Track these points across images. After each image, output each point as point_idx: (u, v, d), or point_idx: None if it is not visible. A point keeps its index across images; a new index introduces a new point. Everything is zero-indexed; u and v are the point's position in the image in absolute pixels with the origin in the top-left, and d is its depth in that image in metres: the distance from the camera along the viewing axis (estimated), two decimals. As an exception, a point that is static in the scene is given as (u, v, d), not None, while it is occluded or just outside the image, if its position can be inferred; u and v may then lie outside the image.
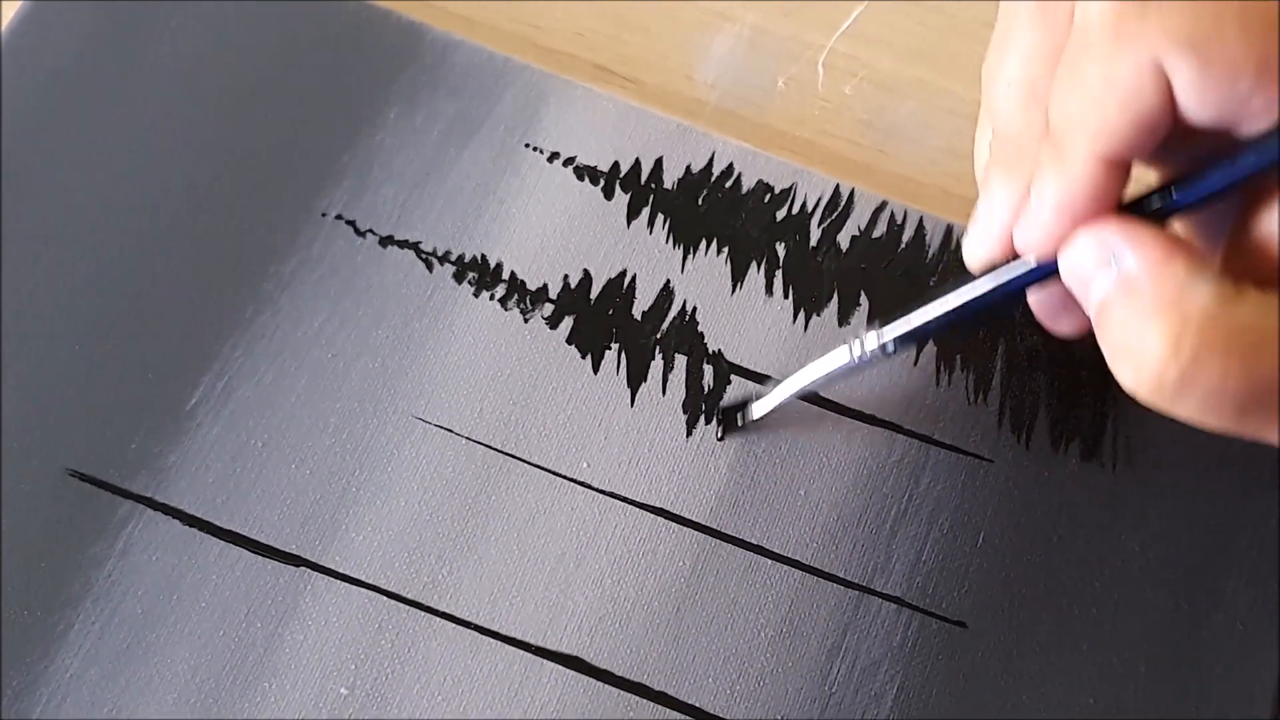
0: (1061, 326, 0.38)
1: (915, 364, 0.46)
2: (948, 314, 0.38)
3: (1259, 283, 0.31)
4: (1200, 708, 0.42)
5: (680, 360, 0.45)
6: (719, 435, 0.45)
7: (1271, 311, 0.30)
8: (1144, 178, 0.34)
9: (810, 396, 0.45)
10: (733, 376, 0.45)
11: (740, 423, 0.45)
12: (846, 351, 0.41)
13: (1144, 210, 0.33)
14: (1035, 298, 0.38)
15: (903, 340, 0.39)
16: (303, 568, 0.43)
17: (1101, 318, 0.32)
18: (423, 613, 0.42)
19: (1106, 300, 0.32)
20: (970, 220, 0.37)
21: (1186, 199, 0.33)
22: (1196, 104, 0.31)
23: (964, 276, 0.37)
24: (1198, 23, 0.30)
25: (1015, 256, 0.36)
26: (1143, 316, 0.31)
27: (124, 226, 0.46)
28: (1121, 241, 0.32)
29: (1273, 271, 0.32)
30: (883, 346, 0.39)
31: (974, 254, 0.37)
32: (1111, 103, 0.31)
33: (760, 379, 0.45)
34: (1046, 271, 0.35)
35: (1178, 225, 0.35)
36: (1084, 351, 0.44)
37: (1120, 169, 0.33)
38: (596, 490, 0.44)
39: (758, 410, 0.44)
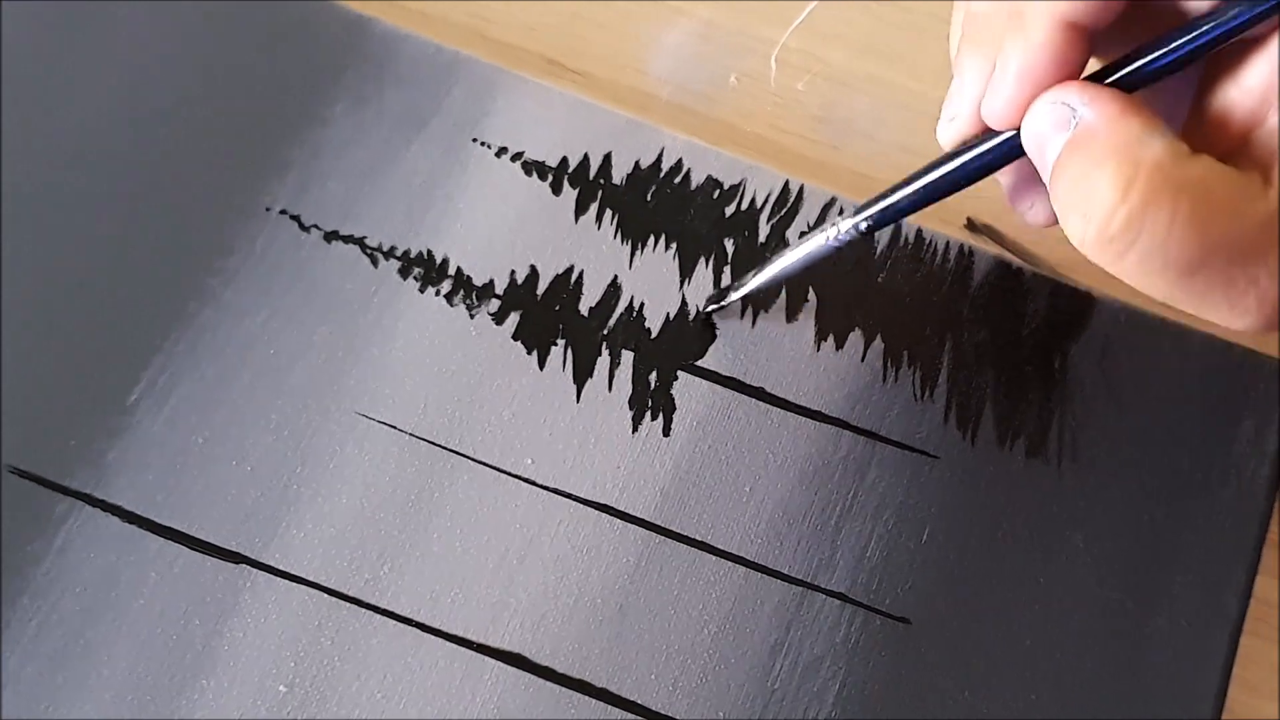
0: (1033, 213, 0.38)
1: (862, 360, 0.45)
2: (919, 191, 0.38)
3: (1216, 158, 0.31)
4: (1144, 705, 0.42)
5: (627, 356, 0.45)
6: (704, 310, 0.45)
7: (1224, 176, 0.30)
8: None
9: (757, 392, 0.45)
10: (679, 373, 0.45)
11: (721, 306, 0.45)
12: (824, 235, 0.40)
13: (1101, 82, 0.33)
14: (1007, 180, 0.38)
15: (878, 219, 0.39)
16: (243, 565, 0.42)
17: (1056, 175, 0.32)
18: (363, 610, 0.42)
19: (1061, 156, 0.32)
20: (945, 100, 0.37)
21: (1144, 70, 0.33)
22: None
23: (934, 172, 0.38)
24: None
25: (986, 133, 0.36)
26: (1094, 163, 0.31)
27: (66, 219, 0.46)
28: (1079, 97, 0.32)
29: (1226, 148, 0.32)
30: (856, 227, 0.39)
31: (945, 131, 0.37)
32: None
33: (709, 375, 0.45)
34: (1012, 146, 0.35)
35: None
36: (1030, 348, 0.45)
37: (1081, 37, 0.33)
38: (541, 487, 0.44)
39: (736, 294, 0.44)
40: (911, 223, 0.47)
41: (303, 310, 0.45)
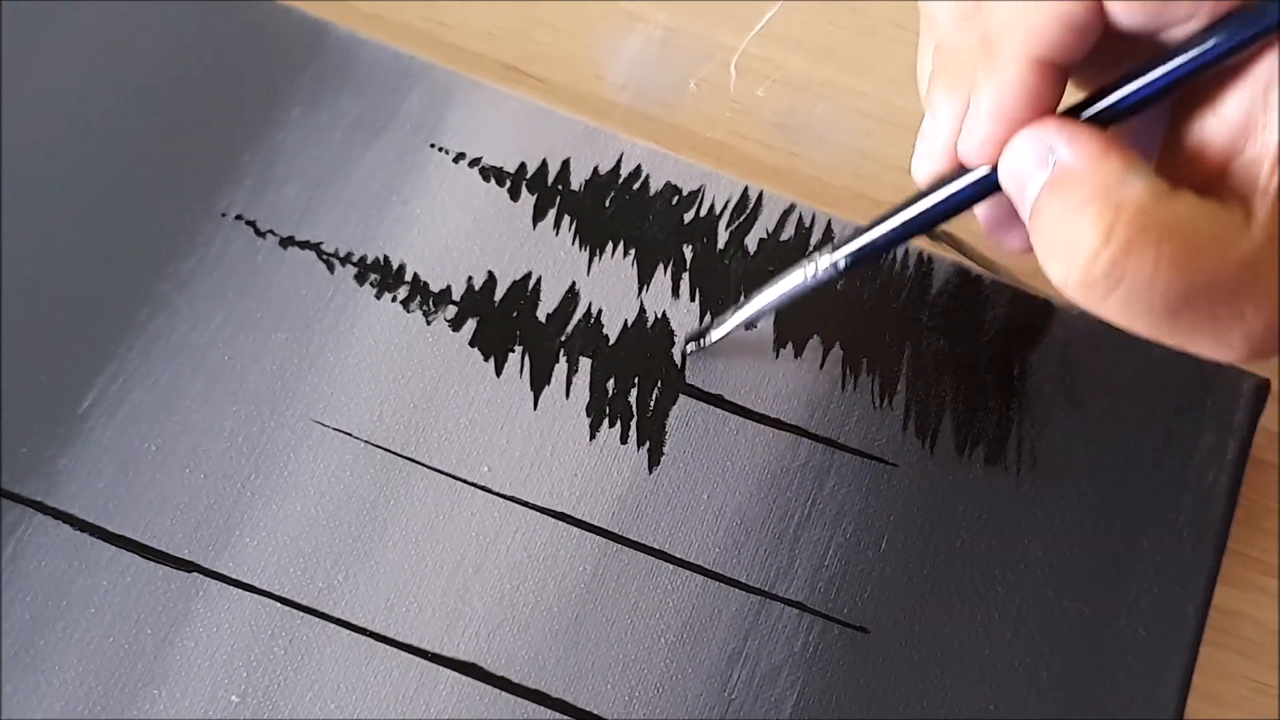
0: (1010, 242, 0.38)
1: (821, 367, 0.45)
2: (898, 229, 0.37)
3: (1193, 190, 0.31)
4: (1103, 714, 0.42)
5: (585, 363, 0.45)
6: (685, 352, 0.45)
7: (1206, 213, 0.30)
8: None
9: (715, 400, 0.44)
10: (637, 380, 0.45)
11: (700, 347, 0.45)
12: (802, 273, 0.40)
13: (1077, 117, 0.33)
14: (982, 211, 0.38)
15: (855, 258, 0.39)
16: (195, 573, 0.42)
17: (1035, 216, 0.32)
18: (317, 619, 0.42)
19: (1041, 198, 0.32)
20: (917, 137, 0.37)
21: (1121, 105, 0.32)
22: (1122, 7, 0.31)
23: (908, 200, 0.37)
24: None
25: (961, 169, 0.35)
26: (1075, 208, 0.30)
27: (17, 223, 0.45)
28: (1057, 136, 0.32)
29: (1205, 179, 0.32)
30: (834, 265, 0.39)
31: (920, 169, 0.37)
32: (1040, 4, 0.31)
33: (667, 383, 0.45)
34: (989, 182, 0.34)
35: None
36: (990, 355, 0.44)
37: (1054, 73, 0.32)
38: (497, 495, 0.43)
39: (716, 334, 0.44)
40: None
41: (258, 316, 0.45)
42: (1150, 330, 0.31)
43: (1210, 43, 0.31)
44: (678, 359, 0.45)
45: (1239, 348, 0.31)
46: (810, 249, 0.47)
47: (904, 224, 0.37)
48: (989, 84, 0.33)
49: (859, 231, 0.38)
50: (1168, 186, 0.30)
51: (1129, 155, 0.31)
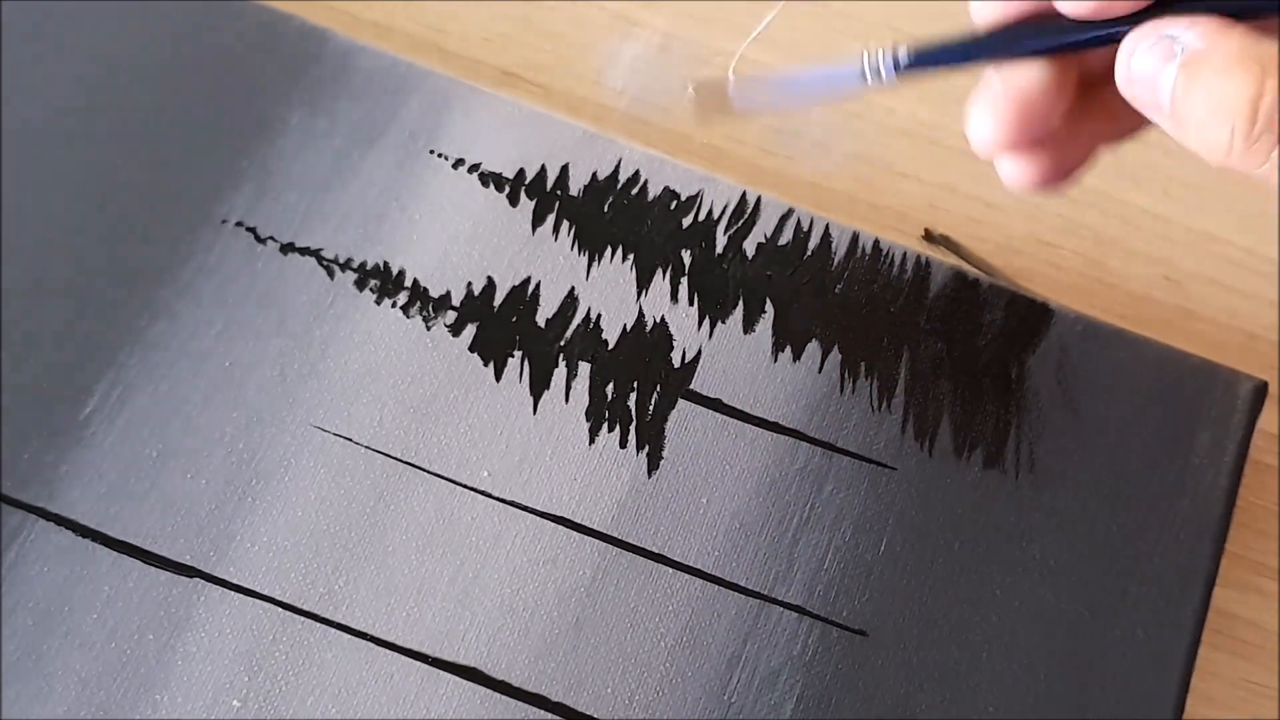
0: (1029, 169, 0.37)
1: (820, 371, 0.45)
2: (985, 46, 0.35)
3: None
4: (1101, 715, 0.42)
5: (584, 368, 0.45)
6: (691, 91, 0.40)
7: None
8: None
9: (714, 403, 0.45)
10: (636, 385, 0.45)
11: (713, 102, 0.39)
12: (858, 59, 0.36)
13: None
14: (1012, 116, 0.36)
15: (921, 61, 0.36)
16: (196, 579, 0.42)
17: (1181, 101, 0.32)
18: (318, 624, 0.42)
19: (1179, 83, 0.32)
20: None
21: None
22: None
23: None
24: None
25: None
26: (1222, 74, 0.31)
27: (17, 230, 0.45)
28: (1175, 25, 0.32)
29: None
30: (896, 62, 0.36)
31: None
32: None
33: (667, 387, 0.45)
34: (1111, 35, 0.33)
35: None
36: (988, 358, 0.45)
37: None
38: (497, 499, 0.43)
39: (738, 97, 0.38)
40: (868, 234, 0.46)
41: (258, 322, 0.45)
42: None
43: None
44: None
45: None
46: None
47: (996, 47, 0.35)
48: None
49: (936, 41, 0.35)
50: None
51: (1245, 27, 0.32)
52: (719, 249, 0.47)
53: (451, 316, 0.45)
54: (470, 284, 0.46)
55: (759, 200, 0.47)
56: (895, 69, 0.36)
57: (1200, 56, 0.32)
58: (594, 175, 0.47)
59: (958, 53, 0.35)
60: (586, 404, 0.45)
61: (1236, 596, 0.45)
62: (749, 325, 0.46)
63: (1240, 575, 0.45)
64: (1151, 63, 0.33)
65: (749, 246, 0.47)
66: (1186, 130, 0.33)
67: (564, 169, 0.47)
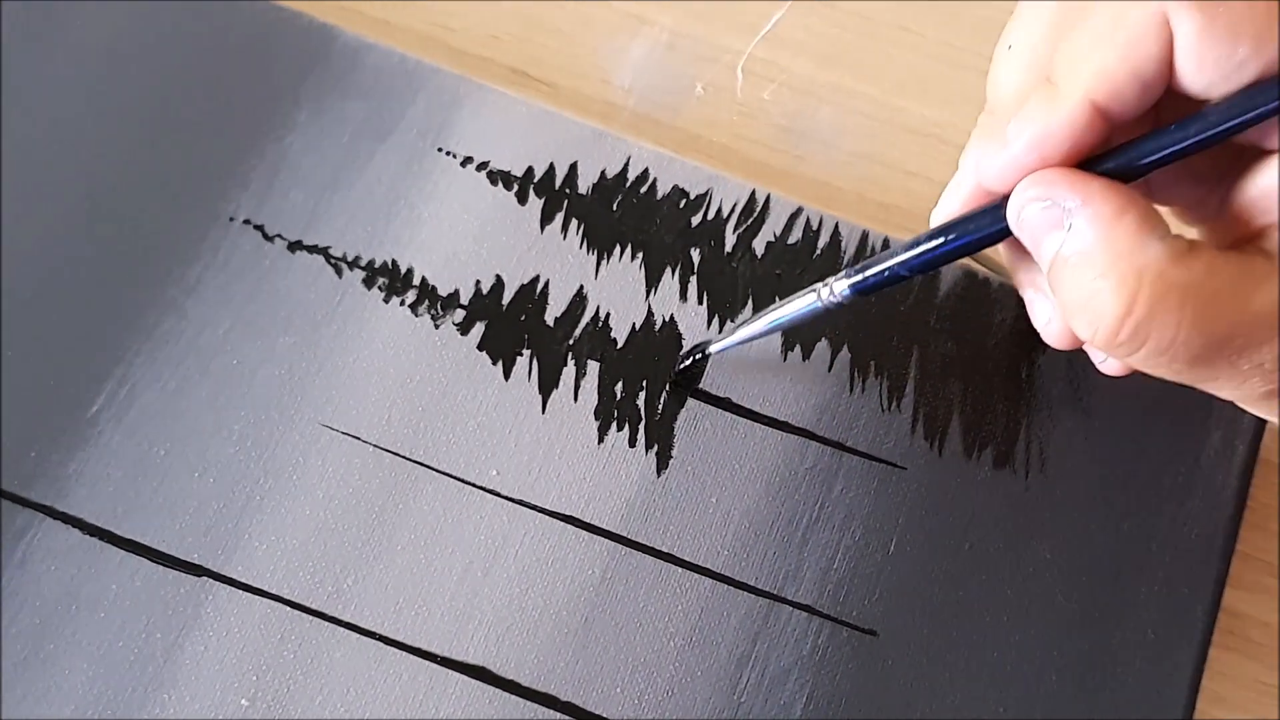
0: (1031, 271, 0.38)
1: (829, 370, 0.45)
2: (912, 259, 0.37)
3: (1241, 241, 0.32)
4: (1111, 715, 0.42)
5: (593, 367, 0.45)
6: (675, 371, 0.45)
7: (1225, 268, 0.30)
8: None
9: (723, 403, 0.44)
10: (645, 384, 0.45)
11: (700, 360, 0.45)
12: (814, 296, 0.40)
13: (1104, 168, 0.33)
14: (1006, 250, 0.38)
15: (865, 288, 0.38)
16: (204, 577, 0.42)
17: (1055, 276, 0.32)
18: (326, 623, 0.42)
19: (1059, 258, 0.32)
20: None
21: (1140, 160, 0.32)
22: (1193, 64, 0.31)
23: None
24: None
25: (978, 212, 0.35)
26: (1096, 274, 0.31)
27: (24, 229, 0.45)
28: (1072, 196, 0.32)
29: (1247, 236, 0.32)
30: (841, 294, 0.39)
31: (942, 210, 0.37)
32: (1114, 47, 0.31)
33: (676, 386, 0.45)
34: (999, 230, 0.34)
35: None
36: (998, 358, 0.44)
37: (1103, 122, 0.32)
38: (505, 498, 0.43)
39: (716, 348, 0.44)
40: (878, 232, 0.46)
41: (266, 320, 0.45)
42: (1174, 377, 0.32)
43: (1232, 111, 0.31)
44: (677, 368, 0.45)
45: (1259, 392, 0.32)
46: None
47: (918, 256, 0.37)
48: (1040, 113, 0.32)
49: (867, 264, 0.38)
50: (1185, 245, 0.31)
51: (1146, 212, 0.31)
52: (728, 247, 0.47)
53: (460, 315, 0.45)
54: (479, 282, 0.46)
55: (768, 199, 0.47)
56: (841, 299, 0.39)
57: (1083, 255, 0.31)
58: (603, 173, 0.47)
59: (898, 272, 0.37)
60: (595, 403, 0.45)
61: (1245, 596, 0.45)
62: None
63: (1250, 575, 0.45)
64: (1041, 223, 0.33)
65: (758, 245, 0.47)
66: (1058, 295, 0.33)
67: (573, 167, 0.47)
